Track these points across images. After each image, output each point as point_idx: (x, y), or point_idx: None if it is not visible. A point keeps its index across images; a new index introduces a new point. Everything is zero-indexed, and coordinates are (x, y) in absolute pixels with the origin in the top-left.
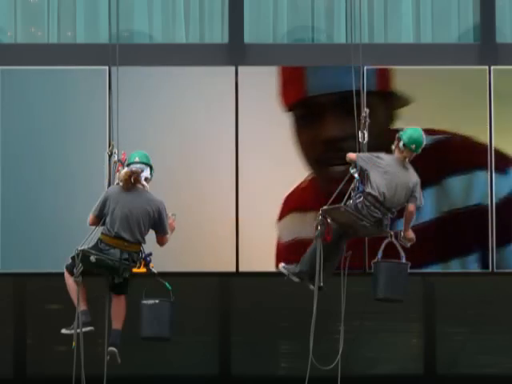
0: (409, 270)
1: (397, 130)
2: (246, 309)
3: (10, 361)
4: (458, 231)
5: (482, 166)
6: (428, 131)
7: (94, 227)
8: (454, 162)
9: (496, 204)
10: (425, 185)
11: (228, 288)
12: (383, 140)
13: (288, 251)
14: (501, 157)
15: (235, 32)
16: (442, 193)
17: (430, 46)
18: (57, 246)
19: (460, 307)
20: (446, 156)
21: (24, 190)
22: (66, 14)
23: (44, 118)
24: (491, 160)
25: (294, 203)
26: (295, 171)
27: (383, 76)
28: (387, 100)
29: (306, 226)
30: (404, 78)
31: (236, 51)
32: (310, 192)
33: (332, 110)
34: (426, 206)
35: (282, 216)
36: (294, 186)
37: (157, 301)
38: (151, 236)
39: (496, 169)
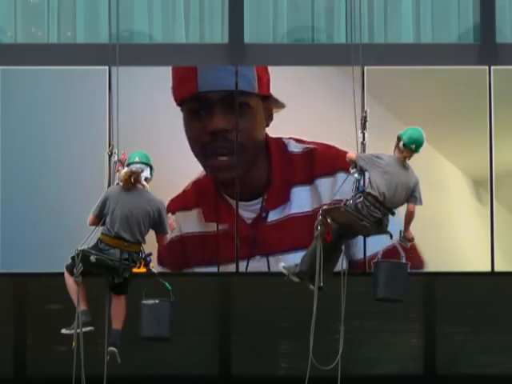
0: (409, 270)
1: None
2: (246, 309)
3: (9, 361)
4: None
5: (343, 169)
6: (298, 140)
7: (93, 227)
8: (320, 166)
9: None
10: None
11: (228, 288)
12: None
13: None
14: None
15: (235, 32)
16: (314, 191)
17: (430, 46)
18: (57, 245)
19: (460, 307)
20: (313, 161)
21: (24, 190)
22: (66, 13)
23: (44, 118)
24: (491, 160)
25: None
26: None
27: (262, 79)
28: (265, 103)
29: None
30: (403, 78)
31: (236, 51)
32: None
33: (219, 105)
34: (302, 200)
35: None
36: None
37: (157, 301)
38: (151, 236)
39: None
